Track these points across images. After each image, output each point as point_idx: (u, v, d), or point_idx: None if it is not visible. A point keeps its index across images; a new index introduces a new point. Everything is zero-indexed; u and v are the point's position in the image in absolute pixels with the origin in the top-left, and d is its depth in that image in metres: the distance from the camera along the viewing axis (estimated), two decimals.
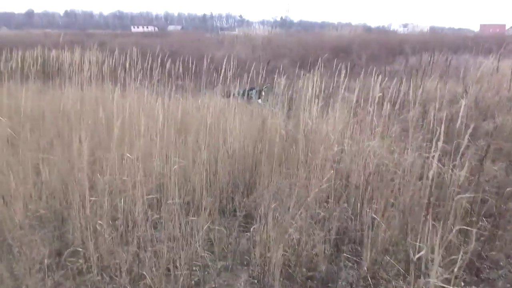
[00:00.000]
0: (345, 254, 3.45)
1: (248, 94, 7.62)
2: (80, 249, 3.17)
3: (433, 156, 2.86)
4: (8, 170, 3.77)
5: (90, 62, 7.58)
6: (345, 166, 4.16)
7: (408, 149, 4.28)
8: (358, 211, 3.62)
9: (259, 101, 7.60)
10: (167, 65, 7.38)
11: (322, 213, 3.50)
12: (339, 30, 38.27)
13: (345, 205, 3.82)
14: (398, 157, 4.25)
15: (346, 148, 4.36)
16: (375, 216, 3.41)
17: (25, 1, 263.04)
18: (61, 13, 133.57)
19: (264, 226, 3.20)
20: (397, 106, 5.13)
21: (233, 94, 5.89)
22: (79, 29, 54.96)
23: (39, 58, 9.02)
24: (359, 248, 3.51)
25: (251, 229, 3.45)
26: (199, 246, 3.26)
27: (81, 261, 3.16)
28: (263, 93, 7.82)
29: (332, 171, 3.85)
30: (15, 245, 2.99)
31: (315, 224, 3.42)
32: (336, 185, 3.99)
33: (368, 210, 3.47)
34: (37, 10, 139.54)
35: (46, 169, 3.93)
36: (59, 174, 3.88)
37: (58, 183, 3.84)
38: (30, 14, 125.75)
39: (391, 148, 4.63)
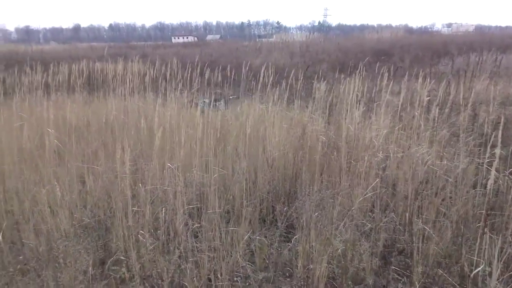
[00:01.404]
0: (393, 267, 3.25)
1: (215, 104, 7.60)
2: (123, 258, 3.19)
3: (488, 163, 2.66)
4: (55, 180, 3.89)
5: (132, 73, 7.80)
6: (391, 174, 3.97)
7: (459, 155, 4.04)
8: (407, 221, 3.42)
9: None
10: (206, 74, 7.46)
11: (369, 224, 3.33)
12: (379, 32, 37.33)
13: (392, 215, 3.62)
14: (449, 163, 3.99)
15: (391, 154, 4.17)
16: (425, 227, 3.21)
17: (72, 16, 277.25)
18: (106, 26, 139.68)
19: (306, 236, 3.10)
20: (445, 110, 4.87)
21: (199, 104, 5.98)
22: (122, 42, 57.16)
23: (85, 70, 9.39)
24: (408, 261, 3.31)
25: (293, 239, 3.35)
26: (240, 256, 3.20)
27: (123, 270, 3.18)
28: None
29: (377, 179, 3.67)
30: (61, 255, 3.04)
31: (360, 235, 3.26)
32: (381, 194, 3.81)
33: (417, 220, 3.27)
34: (84, 24, 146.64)
35: (90, 178, 4.02)
36: (103, 184, 3.96)
37: (102, 192, 3.92)
38: (77, 28, 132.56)
39: (440, 154, 4.38)
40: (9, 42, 79.46)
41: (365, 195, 3.55)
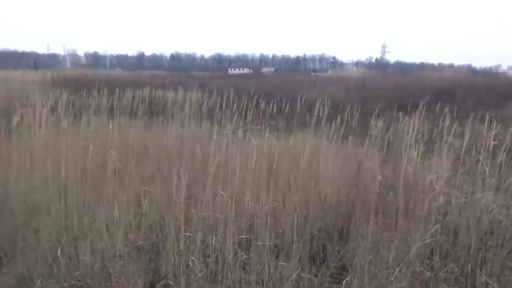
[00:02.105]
0: None
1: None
2: (172, 283, 3.21)
3: None
4: (114, 200, 4.05)
5: (191, 101, 8.10)
6: (453, 220, 3.74)
7: None
8: (469, 273, 3.18)
9: None
10: (262, 106, 7.57)
11: (427, 273, 3.13)
12: (440, 71, 36.30)
13: (453, 265, 3.38)
14: None
15: (453, 200, 3.94)
16: (489, 281, 2.97)
17: (137, 44, 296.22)
18: (168, 55, 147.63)
19: (359, 280, 2.96)
20: None
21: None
22: (182, 71, 59.92)
23: (147, 97, 9.88)
24: None
25: (344, 281, 3.21)
26: None
27: None
28: None
29: (437, 225, 3.47)
30: (114, 274, 3.13)
31: (418, 283, 3.07)
32: (441, 241, 3.58)
33: (480, 273, 3.04)
34: (147, 52, 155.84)
35: (146, 201, 4.15)
36: (158, 207, 4.06)
37: (156, 215, 4.02)
38: (141, 56, 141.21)
39: (507, 203, 4.07)
40: (78, 67, 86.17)
41: (423, 241, 3.36)
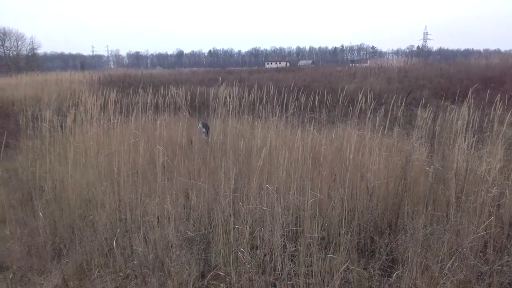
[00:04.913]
0: None
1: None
2: (222, 274, 3.30)
3: None
4: (163, 193, 4.20)
5: (231, 96, 8.19)
6: (508, 212, 3.59)
7: None
8: None
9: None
10: (302, 99, 7.55)
11: (482, 266, 3.03)
12: (487, 58, 34.47)
13: (508, 258, 3.26)
14: None
15: (507, 191, 3.78)
16: None
17: (176, 43, 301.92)
18: (206, 52, 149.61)
19: (409, 273, 2.91)
20: None
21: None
22: (220, 67, 60.50)
23: (188, 93, 10.09)
24: None
25: (394, 274, 3.17)
26: (337, 286, 3.11)
27: (222, 285, 3.29)
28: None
29: (492, 218, 3.34)
30: (167, 264, 3.25)
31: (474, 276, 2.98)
32: (495, 233, 3.46)
33: None
34: (186, 50, 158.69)
35: (194, 194, 4.27)
36: (205, 200, 4.17)
37: (204, 208, 4.13)
38: (180, 54, 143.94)
39: None
40: (121, 66, 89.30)
41: (477, 233, 3.25)
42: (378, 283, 3.20)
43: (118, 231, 3.97)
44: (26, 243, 4.18)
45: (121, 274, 3.68)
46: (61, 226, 4.39)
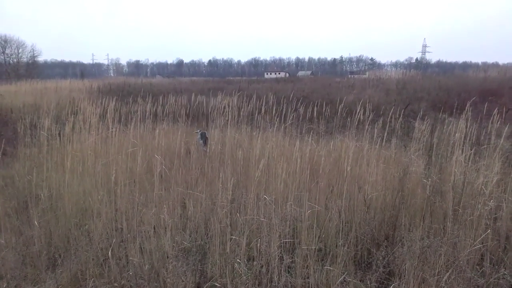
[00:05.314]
0: None
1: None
2: (218, 285, 3.27)
3: None
4: (160, 203, 4.19)
5: (230, 106, 8.21)
6: (504, 226, 3.59)
7: None
8: None
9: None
10: (301, 110, 7.58)
11: (478, 279, 3.02)
12: (485, 71, 34.67)
13: (504, 271, 3.25)
14: None
15: (504, 204, 3.78)
16: None
17: (176, 52, 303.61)
18: (205, 62, 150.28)
19: (406, 285, 2.90)
20: None
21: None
22: (219, 77, 60.76)
23: (187, 103, 10.13)
24: None
25: (391, 287, 3.15)
26: None
27: None
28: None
29: (488, 230, 3.34)
30: (163, 275, 3.22)
31: None
32: (492, 246, 3.45)
33: None
34: (186, 60, 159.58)
35: (191, 204, 4.26)
36: (202, 210, 4.16)
37: (201, 218, 4.11)
38: (180, 63, 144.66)
39: None
40: (121, 75, 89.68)
41: (473, 246, 3.25)
42: None
43: (113, 241, 3.94)
44: (20, 252, 4.14)
45: (116, 284, 3.64)
46: (57, 235, 4.37)
